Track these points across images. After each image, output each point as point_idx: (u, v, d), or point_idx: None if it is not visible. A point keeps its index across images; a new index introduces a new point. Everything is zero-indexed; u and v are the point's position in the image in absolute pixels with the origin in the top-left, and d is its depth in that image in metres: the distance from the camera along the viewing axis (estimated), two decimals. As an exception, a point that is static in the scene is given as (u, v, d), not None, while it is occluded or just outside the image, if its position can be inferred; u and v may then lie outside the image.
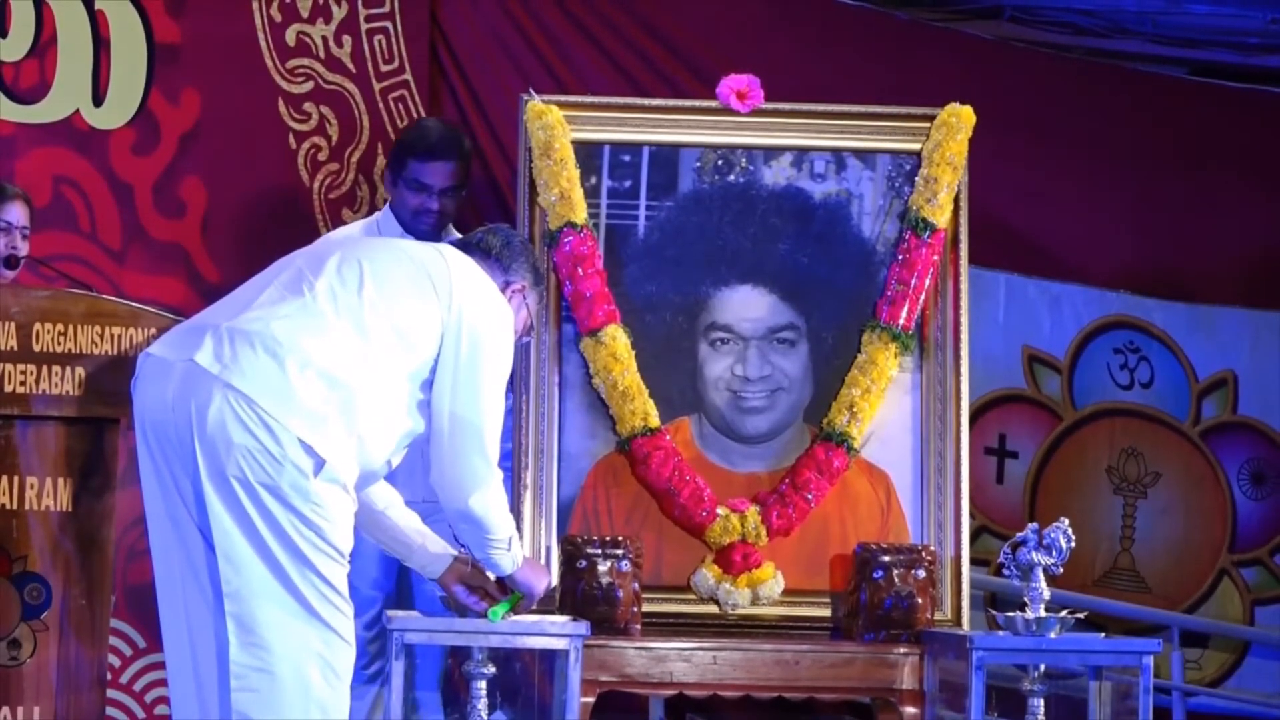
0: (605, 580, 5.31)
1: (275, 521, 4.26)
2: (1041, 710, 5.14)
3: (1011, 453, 7.67)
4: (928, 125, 5.74)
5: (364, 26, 6.76)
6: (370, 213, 6.36)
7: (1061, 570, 5.21)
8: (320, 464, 4.30)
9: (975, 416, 5.74)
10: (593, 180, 5.70)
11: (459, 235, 5.92)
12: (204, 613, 4.37)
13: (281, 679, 4.29)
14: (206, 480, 4.27)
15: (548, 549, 5.55)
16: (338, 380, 4.34)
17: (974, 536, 6.40)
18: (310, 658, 4.31)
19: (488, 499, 4.61)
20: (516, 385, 5.63)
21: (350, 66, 6.74)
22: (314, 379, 4.31)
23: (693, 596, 5.57)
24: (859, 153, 5.78)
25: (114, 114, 6.47)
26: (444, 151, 5.79)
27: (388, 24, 6.78)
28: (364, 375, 4.39)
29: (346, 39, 6.74)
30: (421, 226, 5.79)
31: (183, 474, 4.33)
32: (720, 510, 5.54)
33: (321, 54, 6.71)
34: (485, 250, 4.84)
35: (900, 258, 5.67)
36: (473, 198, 6.49)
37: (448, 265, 4.58)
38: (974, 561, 5.99)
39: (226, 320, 4.38)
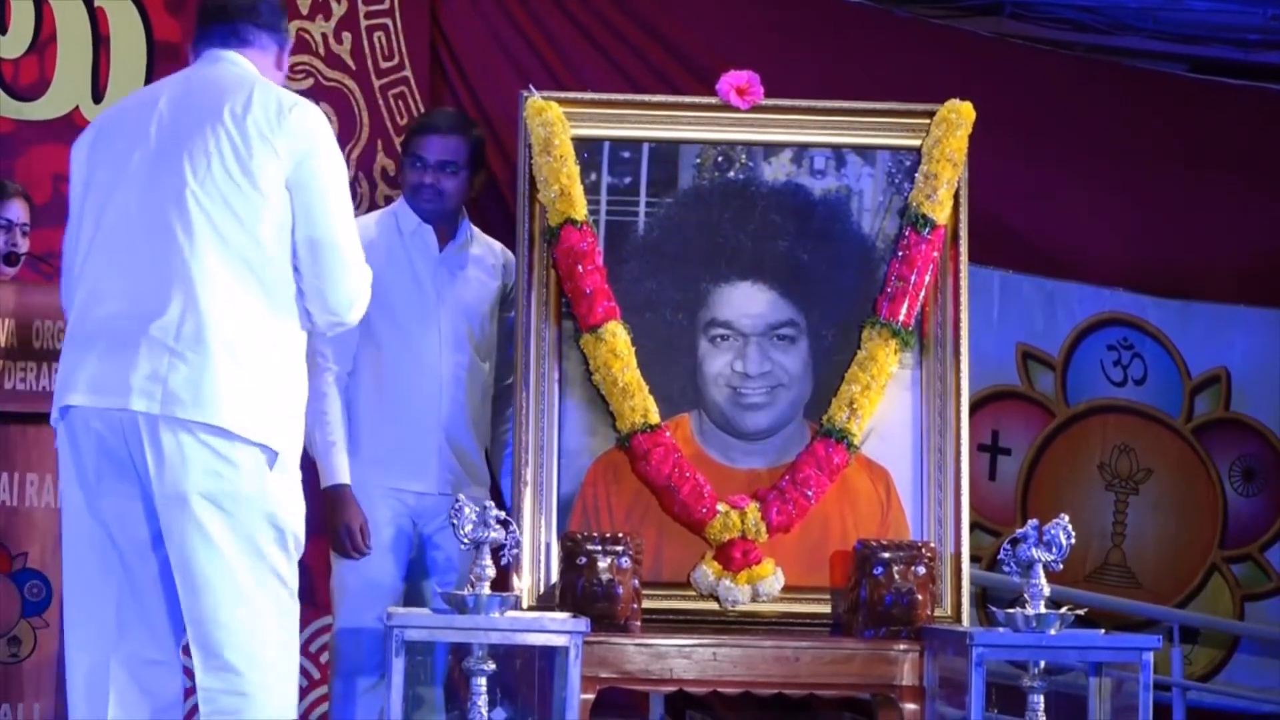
0: (605, 577, 5.30)
1: (238, 535, 4.22)
2: (1041, 706, 5.14)
3: (1004, 449, 7.69)
4: (927, 121, 5.74)
5: (364, 23, 6.76)
6: (371, 209, 6.37)
7: (1061, 566, 5.22)
8: (274, 456, 4.27)
9: (969, 413, 5.74)
10: (592, 177, 5.70)
11: (475, 228, 5.93)
12: (134, 619, 4.33)
13: (253, 698, 4.25)
14: (163, 500, 4.21)
15: (547, 545, 5.54)
16: (259, 347, 4.28)
17: (966, 533, 6.41)
18: (278, 673, 4.29)
19: (365, 303, 4.55)
20: (516, 382, 5.63)
21: (350, 63, 6.74)
22: (243, 364, 4.24)
23: (693, 593, 5.57)
24: (859, 149, 5.78)
25: (114, 112, 6.47)
26: (443, 126, 5.81)
27: (387, 21, 6.79)
28: (271, 322, 4.32)
29: (346, 36, 6.74)
30: (423, 204, 5.79)
31: (128, 493, 4.28)
32: (720, 507, 5.53)
33: (321, 51, 6.72)
34: (256, 23, 4.61)
35: (900, 254, 5.67)
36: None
37: (252, 124, 4.35)
38: (967, 558, 6.00)
39: (128, 325, 4.23)
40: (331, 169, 4.42)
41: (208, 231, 4.25)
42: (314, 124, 4.42)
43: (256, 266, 4.29)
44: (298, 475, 4.35)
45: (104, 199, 4.35)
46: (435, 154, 5.78)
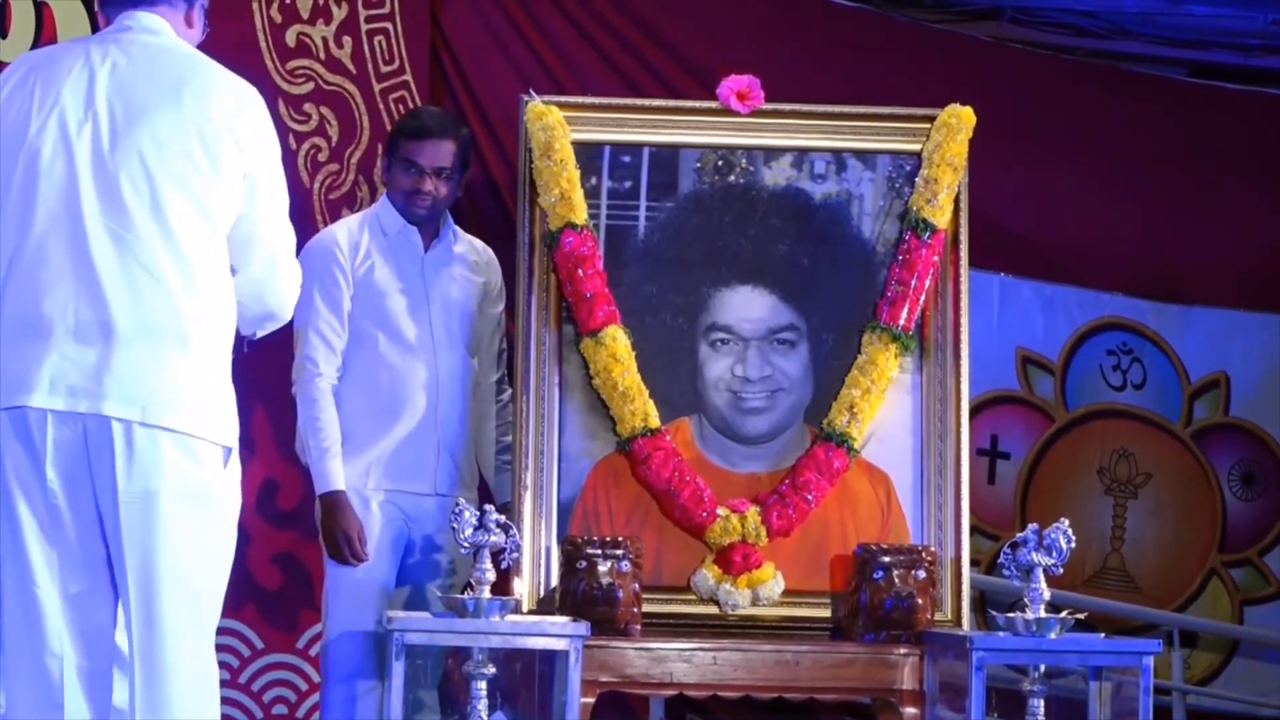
0: (605, 581, 5.30)
1: (201, 535, 4.14)
2: (1041, 711, 5.14)
3: (1004, 453, 7.69)
4: (928, 126, 5.74)
5: (364, 27, 6.76)
6: (369, 208, 6.38)
7: (1061, 570, 5.23)
8: (228, 453, 4.20)
9: (969, 417, 5.74)
10: (593, 181, 5.70)
11: (456, 227, 5.94)
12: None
13: (190, 707, 4.14)
14: (127, 499, 4.10)
15: (548, 549, 5.55)
16: (216, 343, 4.19)
17: (965, 537, 6.42)
18: (212, 679, 4.21)
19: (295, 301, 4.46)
20: (516, 386, 5.64)
21: (350, 67, 6.74)
22: (204, 362, 4.15)
23: (693, 597, 5.57)
24: (859, 153, 5.78)
25: (113, 115, 6.46)
26: (436, 131, 5.79)
27: (388, 25, 6.78)
28: (226, 317, 4.23)
29: (347, 40, 6.74)
30: (416, 210, 5.79)
31: (80, 492, 4.13)
32: (720, 511, 5.54)
33: (321, 55, 6.72)
34: None
35: (900, 258, 5.67)
36: (472, 198, 6.50)
37: (215, 113, 4.21)
38: (965, 562, 6.00)
39: (90, 321, 4.08)
40: (279, 166, 4.34)
41: (180, 225, 4.13)
42: (267, 118, 4.33)
43: (217, 259, 4.19)
44: (239, 469, 4.27)
45: (33, 169, 4.14)
46: (430, 160, 5.78)
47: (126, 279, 4.10)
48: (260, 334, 4.47)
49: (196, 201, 4.15)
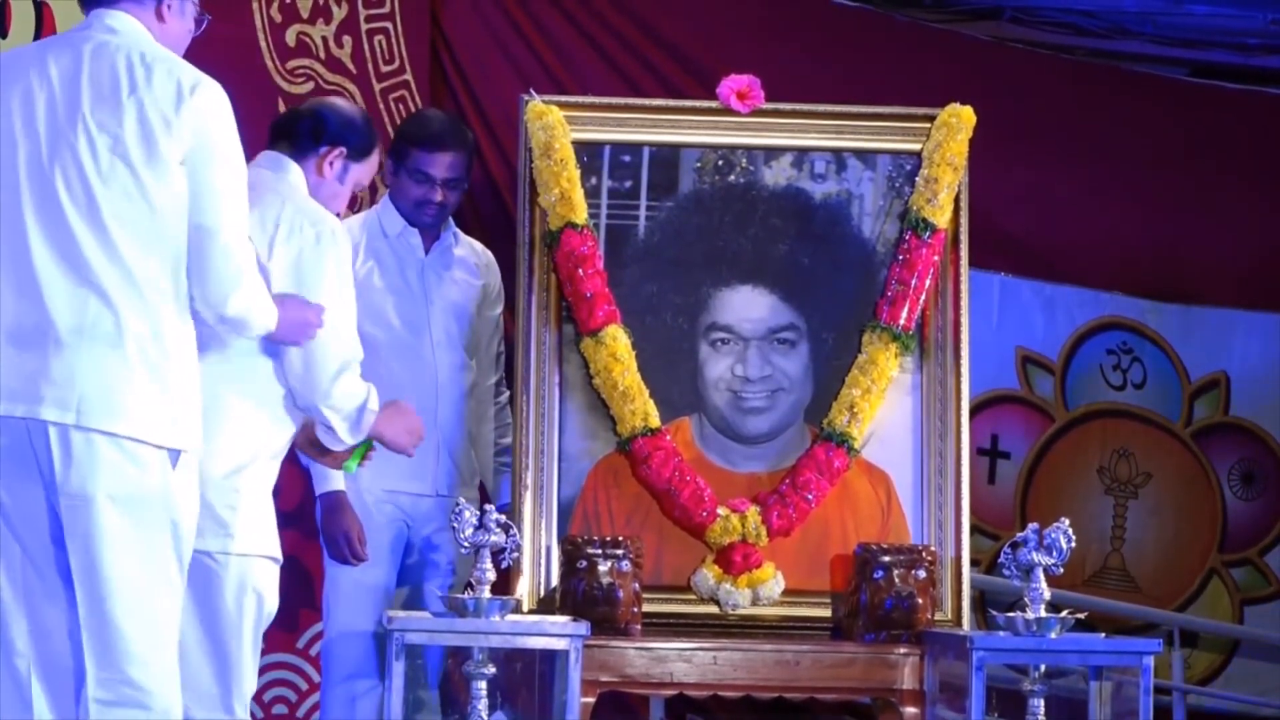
0: (606, 580, 5.31)
1: (142, 538, 4.14)
2: (1041, 710, 5.15)
3: (1004, 453, 7.69)
4: (928, 126, 5.74)
5: (364, 27, 6.76)
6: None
7: (1061, 570, 5.23)
8: (177, 455, 4.18)
9: (969, 417, 5.74)
10: (593, 181, 5.70)
11: (457, 229, 5.94)
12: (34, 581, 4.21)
13: (152, 710, 4.17)
14: (67, 500, 4.11)
15: (548, 549, 5.55)
16: (168, 344, 4.16)
17: (965, 536, 6.42)
18: (171, 679, 4.21)
19: (249, 300, 4.36)
20: (516, 385, 5.64)
21: (350, 67, 6.74)
22: (154, 364, 4.13)
23: (693, 597, 5.57)
24: (859, 153, 5.78)
25: (113, 115, 6.46)
26: (449, 142, 5.79)
27: (388, 24, 6.79)
28: (177, 315, 4.19)
29: (347, 39, 6.74)
30: (424, 218, 5.79)
31: (32, 493, 4.17)
32: (720, 510, 5.54)
33: (322, 54, 6.72)
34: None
35: (900, 258, 5.67)
36: (472, 198, 6.50)
37: (152, 105, 4.17)
38: (965, 561, 6.00)
39: (33, 324, 4.10)
40: (226, 154, 4.25)
41: (115, 221, 4.11)
42: (215, 106, 4.23)
43: (163, 257, 4.16)
44: (195, 472, 4.25)
45: None
46: (444, 172, 5.77)
47: (64, 282, 4.10)
48: (218, 329, 4.41)
49: (133, 200, 4.14)
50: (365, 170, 4.94)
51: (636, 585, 5.36)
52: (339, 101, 5.15)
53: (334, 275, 4.64)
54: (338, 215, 4.85)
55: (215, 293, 4.25)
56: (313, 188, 4.81)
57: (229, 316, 4.31)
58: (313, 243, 4.61)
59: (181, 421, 4.18)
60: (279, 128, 4.90)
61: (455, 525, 5.08)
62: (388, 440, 4.87)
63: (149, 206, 4.15)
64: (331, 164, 4.83)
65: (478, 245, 6.02)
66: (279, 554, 4.73)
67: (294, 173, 4.78)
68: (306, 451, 4.92)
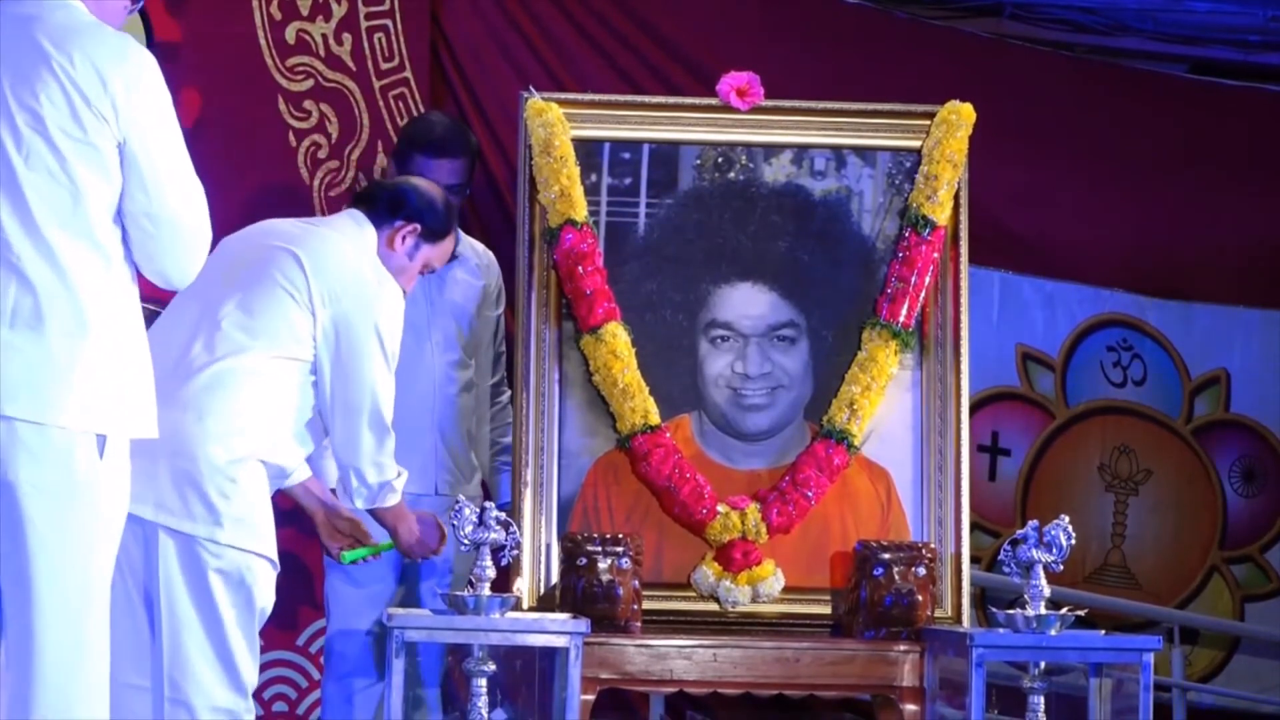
0: (605, 578, 5.30)
1: (66, 527, 4.02)
2: (1041, 707, 5.14)
3: (1004, 450, 7.69)
4: (928, 122, 5.73)
5: (364, 24, 6.76)
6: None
7: (1062, 567, 5.23)
8: (104, 441, 4.05)
9: (969, 414, 5.74)
10: (593, 178, 5.70)
11: (458, 230, 5.94)
12: None
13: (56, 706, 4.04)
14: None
15: (548, 546, 5.55)
16: (101, 325, 4.03)
17: (966, 533, 6.42)
18: (85, 675, 4.08)
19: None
20: (516, 383, 5.64)
21: (350, 64, 6.74)
22: (83, 348, 4.01)
23: (693, 594, 5.57)
24: (859, 150, 5.78)
25: (113, 112, 6.46)
26: (453, 148, 5.80)
27: (388, 22, 6.79)
28: (111, 295, 4.07)
29: (346, 37, 6.74)
30: None
31: None
32: (720, 508, 5.54)
33: (321, 52, 6.72)
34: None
35: (900, 255, 5.67)
36: (472, 197, 6.49)
37: (83, 77, 4.03)
38: (965, 558, 6.00)
39: None
40: (163, 124, 4.11)
41: (38, 200, 3.99)
42: (142, 76, 4.08)
43: (95, 236, 4.04)
44: (126, 457, 4.13)
45: None
46: (448, 177, 5.76)
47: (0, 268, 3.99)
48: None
49: (57, 179, 4.01)
50: (437, 253, 5.16)
51: (636, 582, 5.35)
52: (423, 182, 5.28)
53: (390, 338, 4.92)
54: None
55: (177, 275, 4.19)
56: (381, 259, 4.99)
57: (180, 289, 4.35)
58: (365, 305, 4.87)
59: (115, 405, 4.06)
60: (361, 195, 5.14)
61: (455, 523, 5.08)
62: (399, 538, 5.21)
63: (74, 186, 4.02)
64: (404, 239, 5.06)
65: (478, 245, 6.02)
66: (274, 556, 4.73)
67: (370, 234, 5.00)
68: (326, 533, 5.24)
